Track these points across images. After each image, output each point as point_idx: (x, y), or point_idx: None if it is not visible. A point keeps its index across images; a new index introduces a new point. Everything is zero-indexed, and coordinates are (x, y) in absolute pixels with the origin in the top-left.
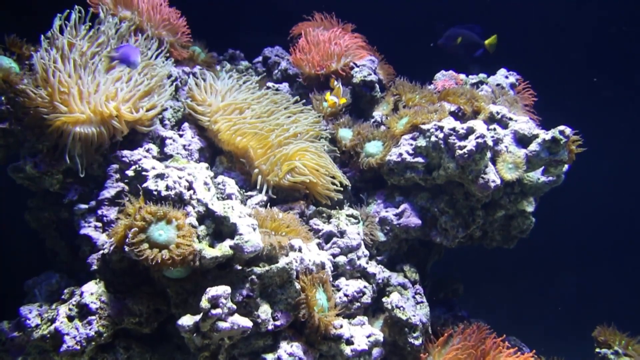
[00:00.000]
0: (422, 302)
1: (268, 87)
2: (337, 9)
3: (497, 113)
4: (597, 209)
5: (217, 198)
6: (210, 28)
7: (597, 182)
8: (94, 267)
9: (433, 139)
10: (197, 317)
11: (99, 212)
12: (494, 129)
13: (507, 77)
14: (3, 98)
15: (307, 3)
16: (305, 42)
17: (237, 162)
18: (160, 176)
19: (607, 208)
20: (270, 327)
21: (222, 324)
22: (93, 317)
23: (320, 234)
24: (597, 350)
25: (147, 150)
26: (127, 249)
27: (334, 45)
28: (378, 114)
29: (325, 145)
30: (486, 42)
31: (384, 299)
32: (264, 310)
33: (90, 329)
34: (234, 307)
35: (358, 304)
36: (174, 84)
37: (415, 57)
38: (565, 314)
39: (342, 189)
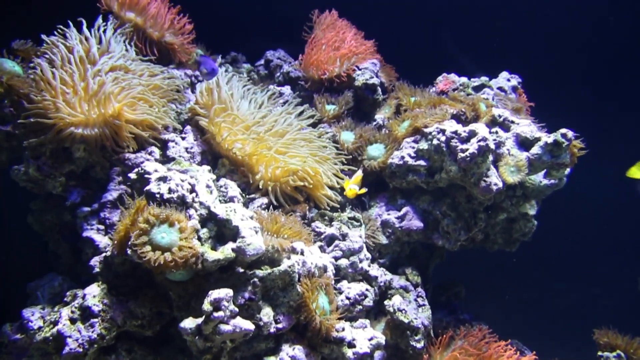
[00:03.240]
0: (424, 305)
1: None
2: (342, 10)
3: (499, 116)
4: (601, 212)
5: (220, 201)
6: (213, 31)
7: (600, 185)
8: (97, 269)
9: (435, 142)
10: (200, 320)
11: (102, 214)
12: (496, 132)
13: (509, 80)
14: (6, 101)
15: (311, 7)
16: (315, 39)
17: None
18: (163, 179)
19: (610, 211)
20: (272, 330)
21: (224, 327)
22: (95, 320)
23: (322, 236)
24: (600, 353)
25: (150, 153)
26: (129, 251)
27: (339, 42)
28: (380, 116)
29: (328, 148)
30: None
31: (385, 302)
32: (266, 313)
33: (92, 332)
34: (236, 309)
35: (360, 306)
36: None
37: (417, 59)
38: (568, 317)
39: (339, 201)
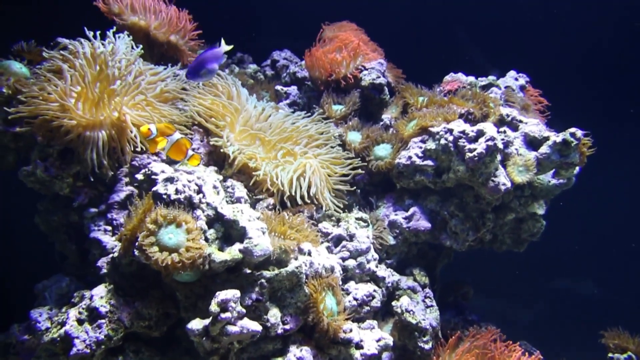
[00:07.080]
0: (431, 305)
1: (277, 91)
2: (348, 11)
3: (507, 115)
4: (611, 212)
5: (227, 202)
6: (219, 32)
7: (611, 184)
8: (104, 270)
9: (442, 141)
10: (207, 321)
11: (109, 215)
12: (504, 132)
13: (516, 79)
14: (14, 103)
15: (317, 7)
16: (323, 41)
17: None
18: (170, 180)
19: (621, 210)
20: (279, 331)
21: (231, 328)
22: (103, 321)
23: (330, 237)
24: (610, 355)
25: (157, 154)
26: (136, 252)
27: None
28: (387, 116)
29: (335, 149)
30: None
31: (393, 303)
32: (274, 314)
33: (100, 333)
34: (244, 311)
35: (367, 307)
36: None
37: (424, 59)
38: (578, 317)
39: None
